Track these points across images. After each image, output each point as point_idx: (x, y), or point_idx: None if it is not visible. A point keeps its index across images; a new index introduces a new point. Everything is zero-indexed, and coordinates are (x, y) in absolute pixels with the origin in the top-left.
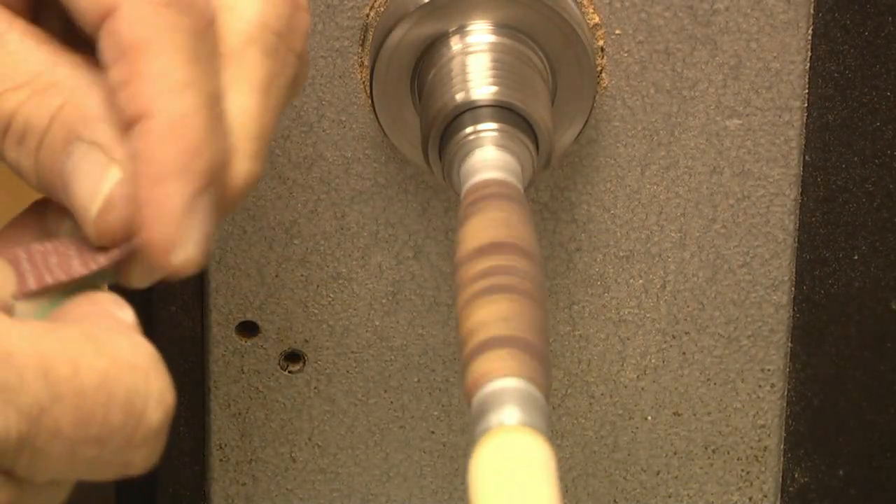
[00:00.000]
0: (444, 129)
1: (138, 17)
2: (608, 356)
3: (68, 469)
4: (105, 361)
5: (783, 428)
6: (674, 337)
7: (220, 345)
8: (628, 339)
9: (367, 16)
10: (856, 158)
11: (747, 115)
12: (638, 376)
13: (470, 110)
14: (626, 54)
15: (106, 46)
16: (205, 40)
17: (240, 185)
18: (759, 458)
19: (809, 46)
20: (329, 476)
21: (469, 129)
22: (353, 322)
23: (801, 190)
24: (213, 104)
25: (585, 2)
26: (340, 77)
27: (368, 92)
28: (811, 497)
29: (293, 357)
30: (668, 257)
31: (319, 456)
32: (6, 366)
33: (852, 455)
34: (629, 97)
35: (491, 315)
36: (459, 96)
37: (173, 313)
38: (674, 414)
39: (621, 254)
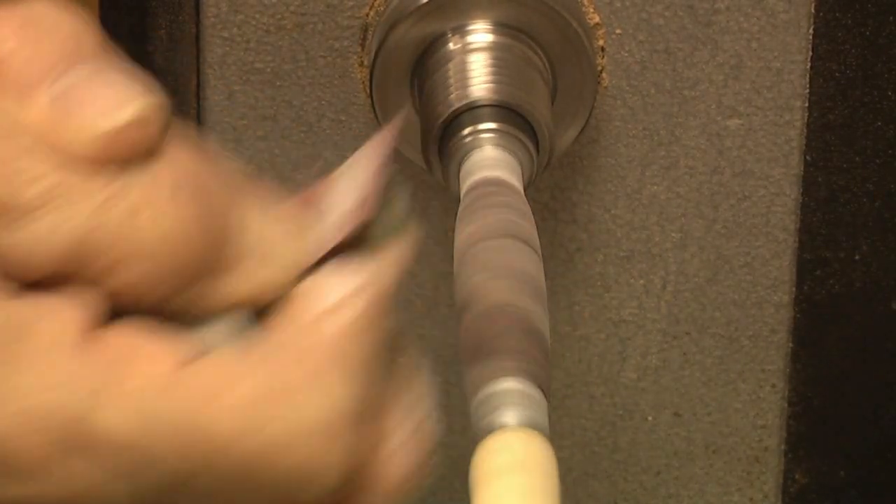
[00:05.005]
0: (444, 129)
1: None
2: (608, 356)
3: None
4: None
5: (784, 428)
6: (674, 337)
7: None
8: (628, 339)
9: (367, 15)
10: (857, 158)
11: (748, 115)
12: (638, 377)
13: (469, 110)
14: (626, 54)
15: None
16: None
17: None
18: (760, 459)
19: (810, 46)
20: None
21: (469, 129)
22: None
23: (802, 190)
24: None
25: (585, 1)
26: (340, 77)
27: (368, 92)
28: (812, 497)
29: None
30: (669, 257)
31: None
32: None
33: (853, 456)
34: (629, 97)
35: (491, 316)
36: (459, 96)
37: None
38: (674, 414)
39: (622, 254)
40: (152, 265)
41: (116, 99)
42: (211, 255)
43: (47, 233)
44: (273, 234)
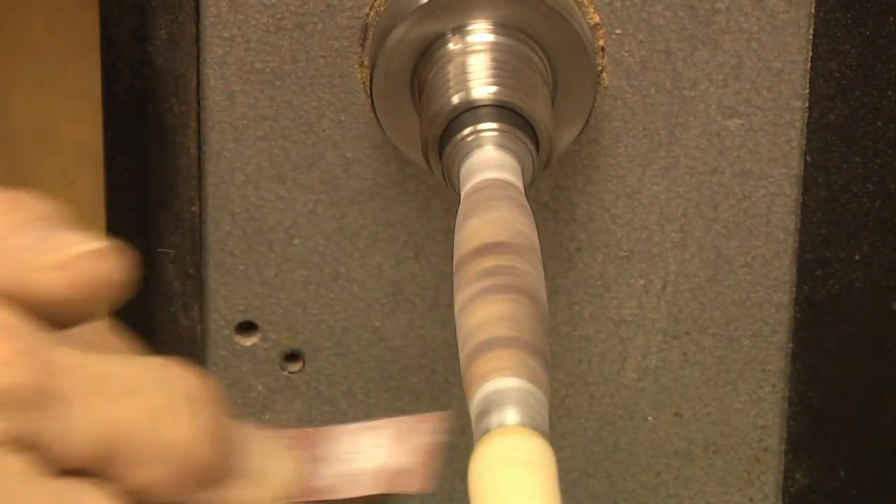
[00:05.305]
0: (444, 130)
1: None
2: (609, 356)
3: None
4: None
5: (784, 428)
6: (674, 337)
7: (220, 345)
8: (629, 339)
9: (367, 15)
10: (857, 158)
11: (748, 115)
12: (638, 377)
13: (470, 110)
14: (626, 54)
15: None
16: None
17: None
18: (760, 459)
19: (810, 46)
20: None
21: (469, 130)
22: (353, 322)
23: (802, 190)
24: None
25: (585, 1)
26: (340, 77)
27: (368, 92)
28: (812, 498)
29: (293, 357)
30: (669, 257)
31: None
32: None
33: (853, 456)
34: (629, 97)
35: (491, 315)
36: (459, 96)
37: (173, 313)
38: (674, 414)
39: (622, 254)
40: (166, 469)
41: (77, 238)
42: (216, 467)
43: (81, 426)
44: (269, 461)
